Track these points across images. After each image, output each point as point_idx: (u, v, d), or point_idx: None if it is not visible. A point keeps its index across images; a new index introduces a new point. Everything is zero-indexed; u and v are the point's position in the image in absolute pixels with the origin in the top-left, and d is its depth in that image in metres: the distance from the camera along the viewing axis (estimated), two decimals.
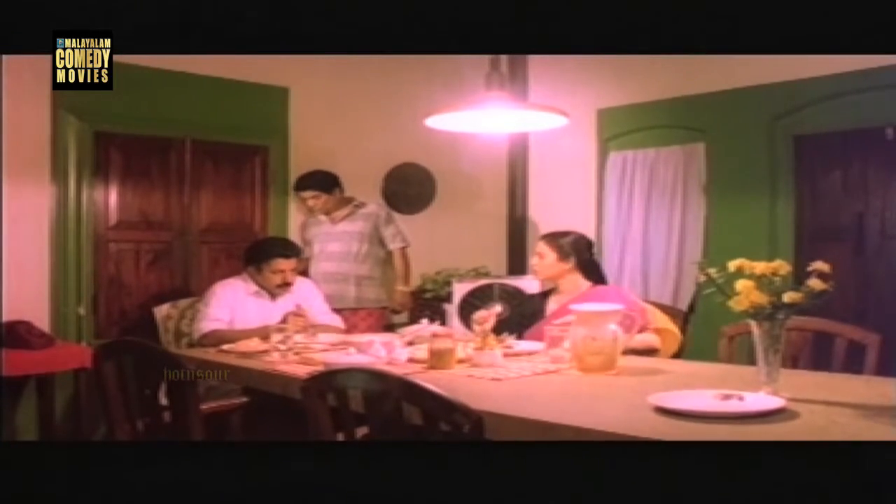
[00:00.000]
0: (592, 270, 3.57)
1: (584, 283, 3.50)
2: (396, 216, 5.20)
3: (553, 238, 3.56)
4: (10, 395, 4.11)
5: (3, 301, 3.87)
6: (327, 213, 4.92)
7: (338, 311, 4.31)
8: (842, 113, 4.41)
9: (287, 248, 4.08)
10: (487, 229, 5.99)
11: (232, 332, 3.70)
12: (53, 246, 4.39)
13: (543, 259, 3.53)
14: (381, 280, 4.99)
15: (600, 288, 3.49)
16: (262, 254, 3.99)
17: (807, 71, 4.38)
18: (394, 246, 5.00)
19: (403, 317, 5.19)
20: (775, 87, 4.59)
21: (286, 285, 3.98)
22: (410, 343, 3.15)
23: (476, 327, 3.11)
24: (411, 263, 5.08)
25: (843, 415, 2.03)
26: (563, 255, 3.50)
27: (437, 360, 2.78)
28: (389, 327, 4.83)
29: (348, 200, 4.98)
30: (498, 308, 3.49)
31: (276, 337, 3.06)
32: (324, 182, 4.92)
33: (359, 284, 4.87)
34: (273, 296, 3.98)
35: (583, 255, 3.54)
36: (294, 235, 4.99)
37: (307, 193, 4.92)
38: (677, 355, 3.38)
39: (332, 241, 4.90)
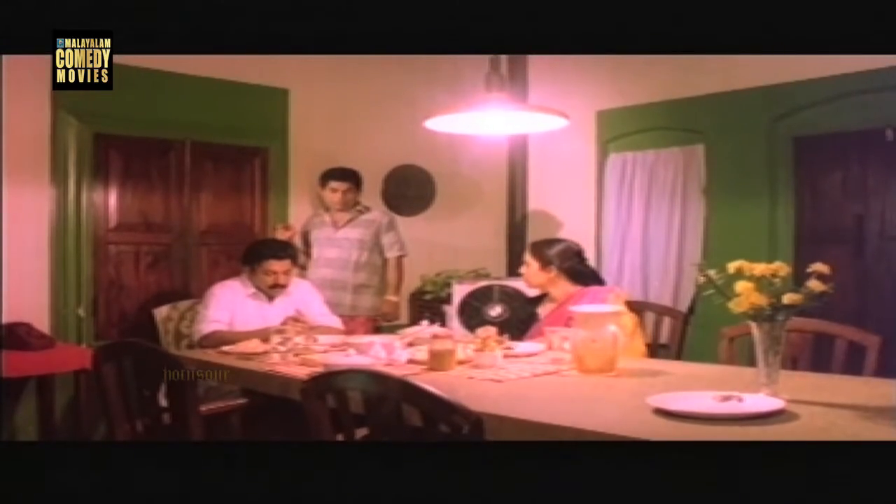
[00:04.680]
0: (579, 276, 3.56)
1: (573, 289, 3.50)
2: (398, 221, 5.18)
3: (537, 247, 3.57)
4: (10, 397, 4.12)
5: (3, 302, 3.87)
6: (342, 209, 4.91)
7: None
8: (841, 114, 4.41)
9: (280, 250, 4.05)
10: (487, 231, 6.00)
11: (232, 334, 3.69)
12: (53, 248, 4.39)
13: (529, 268, 3.56)
14: (377, 288, 4.97)
15: (590, 289, 3.50)
16: (255, 255, 3.99)
17: (806, 72, 4.38)
18: (390, 254, 4.98)
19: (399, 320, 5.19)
20: (775, 89, 4.59)
21: (279, 286, 3.97)
22: (410, 344, 3.15)
23: (479, 330, 3.11)
24: (405, 273, 5.07)
25: (843, 416, 2.03)
26: (544, 264, 3.51)
27: (437, 361, 2.78)
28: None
29: (355, 203, 4.97)
30: (498, 310, 3.50)
31: (275, 338, 3.06)
32: (357, 178, 4.95)
33: (356, 292, 4.86)
34: (270, 297, 3.98)
35: (566, 263, 3.52)
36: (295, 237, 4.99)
37: (342, 184, 4.89)
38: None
39: (332, 246, 4.89)
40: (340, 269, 4.86)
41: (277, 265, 3.95)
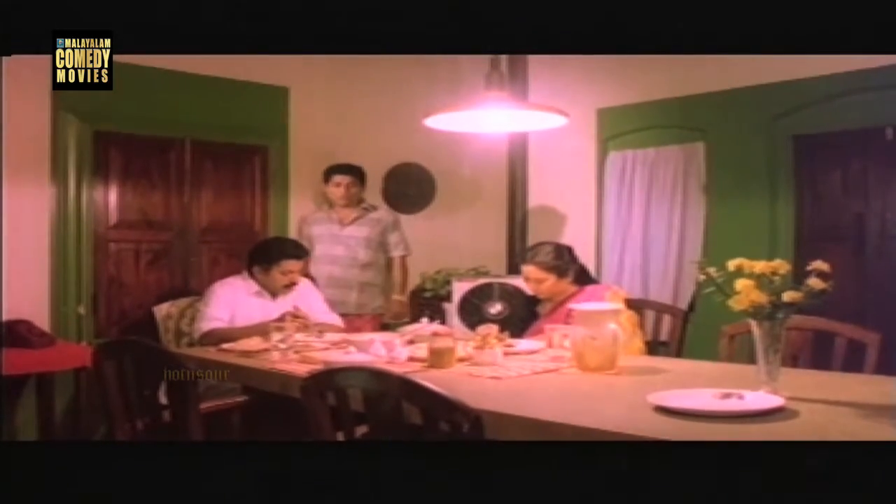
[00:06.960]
0: (582, 274, 3.60)
1: (573, 287, 3.51)
2: (401, 219, 5.20)
3: (542, 261, 3.51)
4: (10, 395, 4.11)
5: (3, 300, 3.87)
6: (346, 205, 4.91)
7: (340, 316, 4.30)
8: (842, 113, 4.41)
9: (298, 250, 4.09)
10: (487, 229, 5.99)
11: (232, 331, 3.69)
12: (53, 245, 4.39)
13: (544, 283, 3.51)
14: (382, 287, 4.99)
15: (588, 288, 3.51)
16: (272, 254, 3.97)
17: (807, 71, 4.38)
18: (395, 253, 5.00)
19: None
20: (775, 87, 4.59)
21: (292, 286, 3.98)
22: (411, 342, 3.15)
23: (479, 328, 3.11)
24: (409, 272, 5.09)
25: (843, 414, 2.03)
26: (561, 274, 3.51)
27: (437, 358, 2.78)
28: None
29: (360, 201, 4.98)
30: (498, 307, 3.50)
31: (276, 336, 3.06)
32: (360, 173, 4.96)
33: (361, 291, 4.87)
34: (274, 295, 3.98)
35: (575, 265, 3.56)
36: (293, 234, 4.99)
37: (346, 178, 4.89)
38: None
39: (338, 244, 4.89)
40: (347, 268, 4.86)
41: (295, 265, 3.98)
